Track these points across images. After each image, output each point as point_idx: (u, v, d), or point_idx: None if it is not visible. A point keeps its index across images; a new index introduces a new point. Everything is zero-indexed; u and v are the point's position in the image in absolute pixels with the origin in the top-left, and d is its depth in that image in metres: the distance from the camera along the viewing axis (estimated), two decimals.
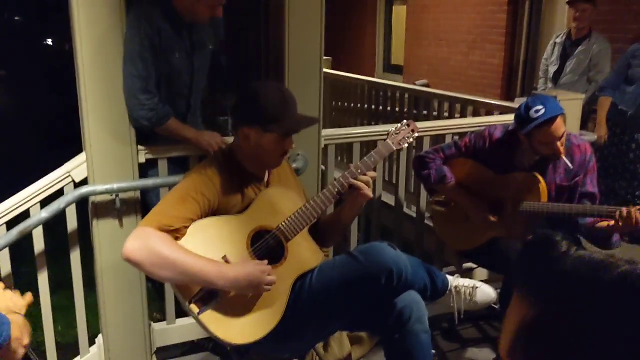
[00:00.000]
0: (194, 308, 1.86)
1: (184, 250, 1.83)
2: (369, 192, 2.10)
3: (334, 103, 6.13)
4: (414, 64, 7.73)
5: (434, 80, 7.07)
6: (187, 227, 1.89)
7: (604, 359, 0.59)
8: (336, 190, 2.09)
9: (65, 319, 3.25)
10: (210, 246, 1.90)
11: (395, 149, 2.22)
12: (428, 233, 3.40)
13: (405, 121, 2.31)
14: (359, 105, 5.72)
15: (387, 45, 8.69)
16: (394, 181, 3.55)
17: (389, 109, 5.28)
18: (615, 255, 0.64)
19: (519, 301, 0.67)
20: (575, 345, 0.60)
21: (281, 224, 2.02)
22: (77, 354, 2.68)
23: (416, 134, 2.30)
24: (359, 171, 2.10)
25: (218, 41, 2.94)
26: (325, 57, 2.80)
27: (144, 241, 1.80)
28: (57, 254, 2.80)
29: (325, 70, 2.97)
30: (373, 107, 5.49)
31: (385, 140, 2.22)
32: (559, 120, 2.43)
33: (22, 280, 2.47)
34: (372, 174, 2.10)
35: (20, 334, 1.29)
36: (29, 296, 1.45)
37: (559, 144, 2.45)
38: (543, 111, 2.41)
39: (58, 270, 2.89)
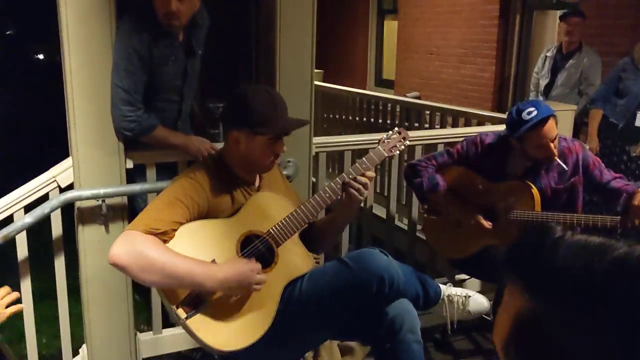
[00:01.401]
0: (181, 313, 1.81)
1: (171, 252, 1.78)
2: (362, 195, 2.06)
3: (324, 115, 6.12)
4: (405, 77, 7.74)
5: (425, 94, 7.08)
6: (175, 230, 1.84)
7: (601, 350, 0.55)
8: (327, 195, 2.06)
9: (50, 330, 3.18)
10: (198, 250, 1.85)
11: (386, 155, 2.19)
12: (420, 244, 3.37)
13: (396, 128, 2.28)
14: (350, 118, 5.71)
15: (379, 60, 8.71)
16: (385, 193, 3.53)
17: (380, 121, 5.28)
18: (613, 239, 0.60)
19: (512, 294, 0.64)
20: (570, 337, 0.56)
21: (271, 228, 1.98)
22: None
23: (407, 142, 2.27)
24: (350, 177, 2.08)
25: (210, 54, 2.89)
26: (316, 70, 2.78)
27: (130, 245, 1.75)
28: (42, 263, 2.75)
29: (316, 82, 2.95)
30: (364, 119, 5.48)
31: (376, 147, 2.20)
32: (551, 122, 2.42)
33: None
34: (370, 173, 2.07)
35: None
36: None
37: (552, 145, 2.44)
38: (535, 112, 2.40)
39: (43, 279, 2.83)
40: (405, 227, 3.54)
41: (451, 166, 2.74)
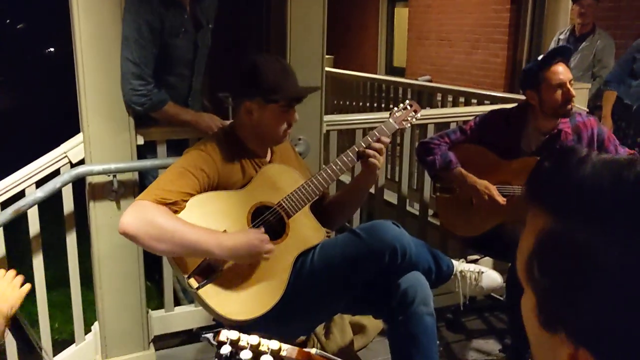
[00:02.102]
0: (193, 282, 1.80)
1: (181, 221, 1.78)
2: (379, 160, 2.04)
3: (335, 102, 6.10)
4: (416, 64, 7.70)
5: (436, 79, 7.03)
6: (185, 201, 1.83)
7: (628, 260, 0.53)
8: (338, 167, 2.04)
9: (62, 315, 3.20)
10: (209, 220, 1.84)
11: (397, 127, 2.16)
12: (431, 229, 3.35)
13: (407, 101, 2.26)
14: (361, 104, 5.68)
15: (389, 47, 8.66)
16: (397, 179, 3.50)
17: (391, 106, 5.24)
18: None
19: (535, 215, 0.62)
20: (596, 250, 0.55)
21: (282, 200, 1.97)
22: None
23: (419, 114, 2.25)
24: (361, 149, 2.06)
25: (219, 45, 2.87)
26: (327, 56, 2.76)
27: (140, 213, 1.74)
28: (52, 253, 2.75)
29: (326, 68, 2.93)
30: (375, 104, 5.46)
31: (387, 119, 2.17)
32: (565, 66, 2.51)
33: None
34: (384, 139, 2.05)
35: None
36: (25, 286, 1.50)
37: (569, 85, 2.48)
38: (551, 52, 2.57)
39: (55, 267, 2.84)
40: (417, 212, 3.52)
41: (464, 143, 2.71)
